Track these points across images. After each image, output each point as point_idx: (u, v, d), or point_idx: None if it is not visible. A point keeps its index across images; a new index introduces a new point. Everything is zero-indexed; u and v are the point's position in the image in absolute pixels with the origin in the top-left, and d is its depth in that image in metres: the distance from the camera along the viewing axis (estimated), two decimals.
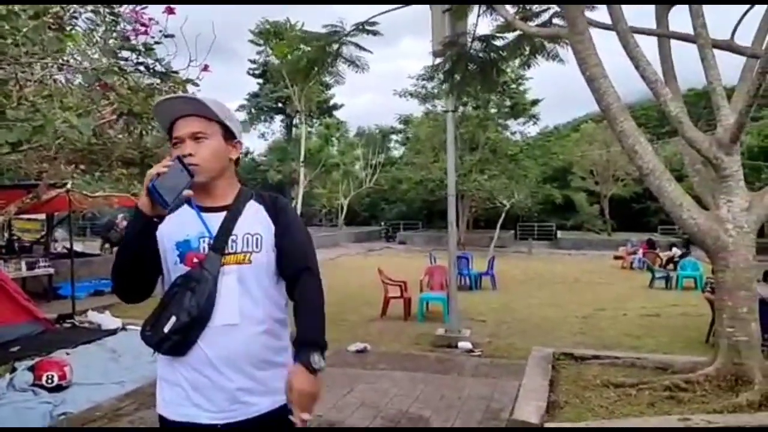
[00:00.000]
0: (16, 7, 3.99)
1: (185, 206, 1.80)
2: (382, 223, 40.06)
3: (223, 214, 1.81)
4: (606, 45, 5.62)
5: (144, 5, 4.39)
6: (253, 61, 40.91)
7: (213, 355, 1.74)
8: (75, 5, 4.96)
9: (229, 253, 1.79)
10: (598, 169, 32.74)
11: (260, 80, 41.56)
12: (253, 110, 42.42)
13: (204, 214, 1.79)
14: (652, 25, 5.99)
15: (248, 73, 41.87)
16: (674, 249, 19.05)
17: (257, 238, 1.83)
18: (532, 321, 10.17)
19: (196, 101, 1.82)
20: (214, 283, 1.74)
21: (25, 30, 3.83)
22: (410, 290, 10.62)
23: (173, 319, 1.71)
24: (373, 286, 11.99)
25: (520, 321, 10.17)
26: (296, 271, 1.88)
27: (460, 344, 7.88)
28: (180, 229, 1.79)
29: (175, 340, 1.72)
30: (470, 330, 8.66)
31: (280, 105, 40.26)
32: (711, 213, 5.20)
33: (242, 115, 42.22)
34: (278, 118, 43.04)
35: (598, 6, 6.50)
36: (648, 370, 5.75)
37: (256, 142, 43.99)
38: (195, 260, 1.76)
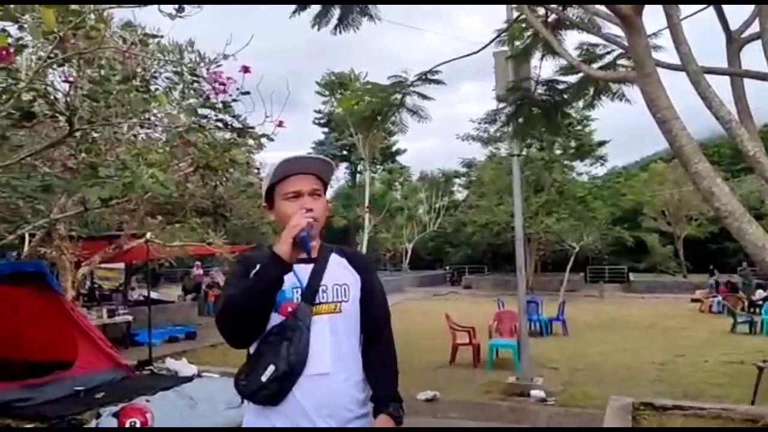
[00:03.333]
0: (103, 72, 4.31)
1: None
2: (447, 267, 39.81)
3: (311, 266, 1.89)
4: (673, 83, 5.52)
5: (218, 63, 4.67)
6: (319, 111, 42.27)
7: (307, 404, 1.79)
8: (156, 66, 5.32)
9: (320, 303, 1.88)
10: (670, 210, 31.75)
11: (325, 129, 42.74)
12: None
13: (295, 266, 1.84)
14: (724, 63, 5.86)
15: (314, 122, 43.21)
16: (759, 292, 18.05)
17: (345, 288, 1.93)
18: (606, 368, 9.81)
19: (328, 164, 1.98)
20: (308, 333, 1.81)
21: (114, 93, 4.13)
22: (478, 336, 10.45)
23: (271, 368, 1.77)
24: (439, 331, 11.87)
25: (595, 368, 9.82)
26: (380, 326, 2.02)
27: (533, 393, 7.66)
28: None
29: (273, 389, 1.77)
30: (542, 378, 8.41)
31: (344, 152, 41.16)
32: None
33: None
34: (343, 165, 43.92)
35: (666, 47, 6.42)
36: (737, 422, 5.43)
37: None
38: (289, 309, 1.83)
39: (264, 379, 1.77)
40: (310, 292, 1.87)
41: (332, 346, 1.86)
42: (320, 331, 1.84)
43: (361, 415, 1.90)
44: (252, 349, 1.88)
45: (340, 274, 1.96)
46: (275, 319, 1.82)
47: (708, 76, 5.20)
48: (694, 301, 20.89)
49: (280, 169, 1.90)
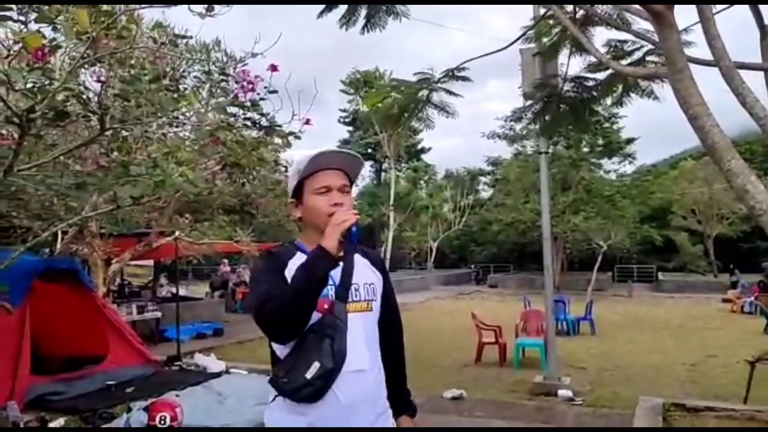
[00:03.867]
0: (134, 72, 4.37)
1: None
2: (472, 266, 39.65)
3: (339, 264, 1.87)
4: (701, 79, 5.41)
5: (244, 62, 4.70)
6: (344, 110, 42.38)
7: (345, 400, 1.81)
8: (183, 65, 5.38)
9: (353, 301, 1.90)
10: (700, 208, 31.24)
11: (350, 128, 42.86)
12: None
13: None
14: (757, 58, 5.73)
15: (339, 121, 43.35)
16: None
17: (374, 288, 1.98)
18: (635, 368, 9.69)
19: (357, 159, 1.99)
20: (347, 330, 1.83)
21: (145, 92, 4.18)
22: (504, 335, 10.39)
23: (316, 364, 1.76)
24: (465, 330, 11.83)
25: (623, 368, 9.70)
26: (397, 323, 2.14)
27: (560, 392, 7.60)
28: None
29: (318, 385, 1.77)
30: (570, 377, 8.33)
31: (369, 151, 41.16)
32: None
33: None
34: (368, 163, 43.96)
35: (697, 42, 6.31)
36: None
37: None
38: (325, 306, 1.84)
39: (309, 376, 1.76)
40: (343, 289, 1.88)
41: (367, 344, 1.90)
42: (356, 329, 1.86)
43: (383, 411, 1.95)
44: (280, 348, 1.87)
45: (367, 273, 2.00)
46: (313, 316, 1.82)
47: (741, 72, 5.10)
48: (725, 301, 20.56)
49: (310, 165, 1.90)
